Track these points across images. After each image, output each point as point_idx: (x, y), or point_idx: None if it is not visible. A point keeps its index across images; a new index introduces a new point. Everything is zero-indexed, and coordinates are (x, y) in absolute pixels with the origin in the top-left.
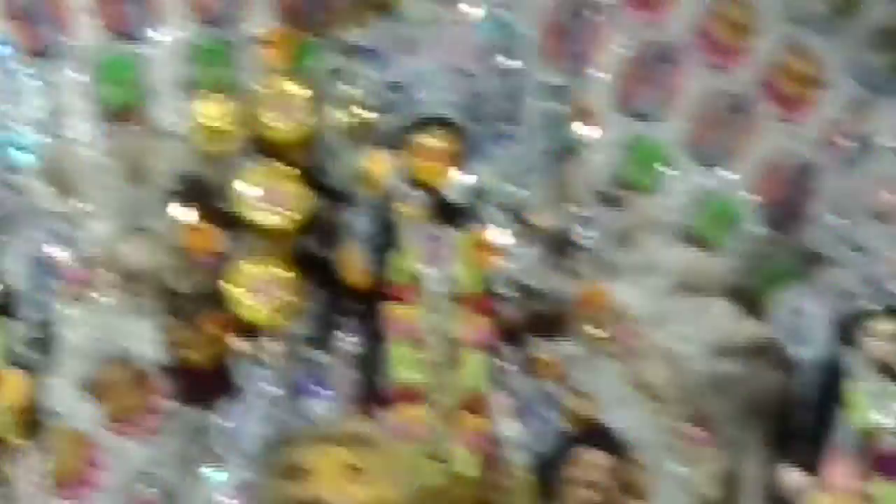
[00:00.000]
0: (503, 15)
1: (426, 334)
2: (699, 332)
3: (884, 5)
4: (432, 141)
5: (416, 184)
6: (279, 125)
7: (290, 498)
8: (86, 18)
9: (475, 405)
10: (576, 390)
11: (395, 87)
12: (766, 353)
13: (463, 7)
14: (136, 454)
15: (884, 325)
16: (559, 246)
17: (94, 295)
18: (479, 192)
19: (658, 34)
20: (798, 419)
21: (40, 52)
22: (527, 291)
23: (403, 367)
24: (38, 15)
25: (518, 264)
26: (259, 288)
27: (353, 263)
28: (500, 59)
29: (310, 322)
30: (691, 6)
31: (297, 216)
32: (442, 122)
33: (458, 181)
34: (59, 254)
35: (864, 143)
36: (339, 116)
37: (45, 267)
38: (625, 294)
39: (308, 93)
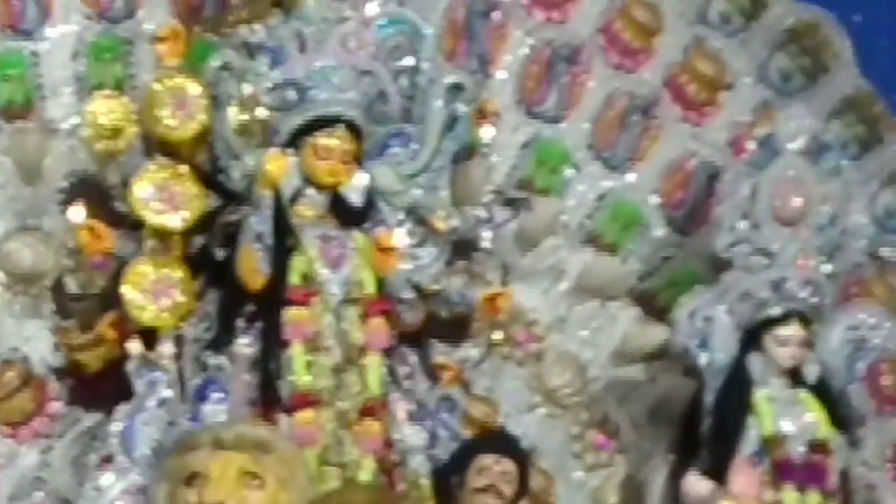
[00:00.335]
0: (404, 14)
1: (325, 338)
2: (602, 336)
3: (789, 6)
4: (331, 140)
5: (314, 184)
6: (174, 123)
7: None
8: None
9: (374, 410)
10: (476, 395)
11: (293, 85)
12: (670, 358)
13: (366, 5)
14: (28, 459)
15: (790, 331)
16: (460, 248)
17: None
18: (378, 193)
19: (562, 34)
20: (704, 426)
21: None
22: (426, 294)
23: (302, 371)
24: None
25: (418, 267)
26: (153, 289)
27: (250, 265)
28: (402, 59)
29: (206, 324)
30: (596, 6)
31: (192, 216)
32: (341, 122)
33: (356, 181)
34: None
35: (769, 146)
36: (236, 115)
37: None
38: (526, 297)
39: (204, 90)
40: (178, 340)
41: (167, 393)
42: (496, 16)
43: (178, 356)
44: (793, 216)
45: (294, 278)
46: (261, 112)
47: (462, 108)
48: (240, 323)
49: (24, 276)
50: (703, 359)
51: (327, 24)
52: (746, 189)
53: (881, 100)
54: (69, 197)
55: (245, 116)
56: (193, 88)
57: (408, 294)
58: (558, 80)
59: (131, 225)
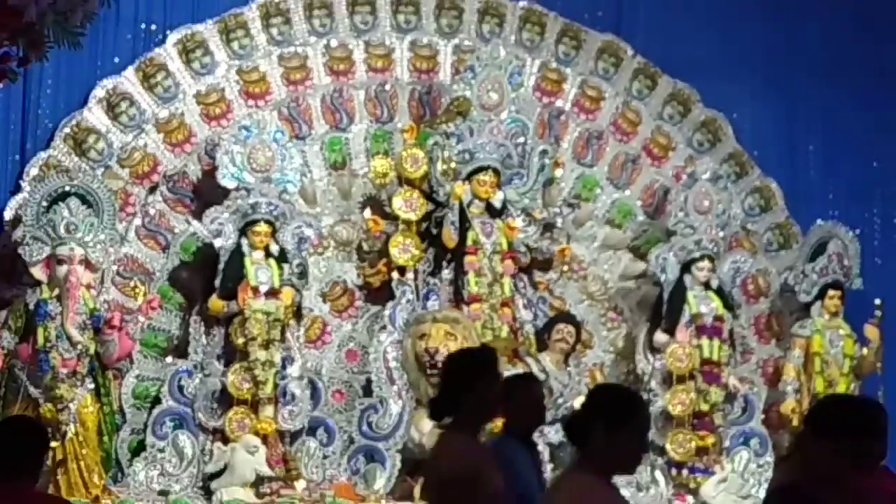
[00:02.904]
0: (520, 116)
1: (485, 269)
2: (614, 268)
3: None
4: (486, 177)
5: (478, 197)
6: (413, 170)
7: (420, 349)
8: (319, 120)
9: (508, 303)
10: (556, 295)
11: (467, 152)
12: (647, 277)
13: (501, 114)
14: (345, 328)
15: (704, 264)
16: (547, 227)
17: (326, 252)
18: (508, 201)
19: (594, 125)
20: (664, 309)
21: (298, 136)
22: (531, 248)
23: (473, 284)
24: (296, 117)
25: (527, 236)
26: (403, 247)
27: (448, 235)
28: (519, 137)
29: (428, 263)
30: (610, 111)
31: (420, 213)
32: (490, 168)
33: (497, 196)
34: (309, 231)
35: (693, 177)
36: (441, 166)
37: (303, 239)
38: (577, 250)
39: (425, 154)
40: (415, 272)
41: (410, 296)
42: (563, 117)
43: (415, 279)
44: (704, 210)
45: (469, 241)
46: (452, 164)
47: (547, 161)
48: (444, 263)
49: (342, 242)
50: (662, 277)
51: (483, 122)
52: (681, 197)
53: (748, 154)
54: (363, 205)
55: (445, 167)
56: (421, 154)
57: (522, 248)
58: (593, 147)
59: (392, 217)
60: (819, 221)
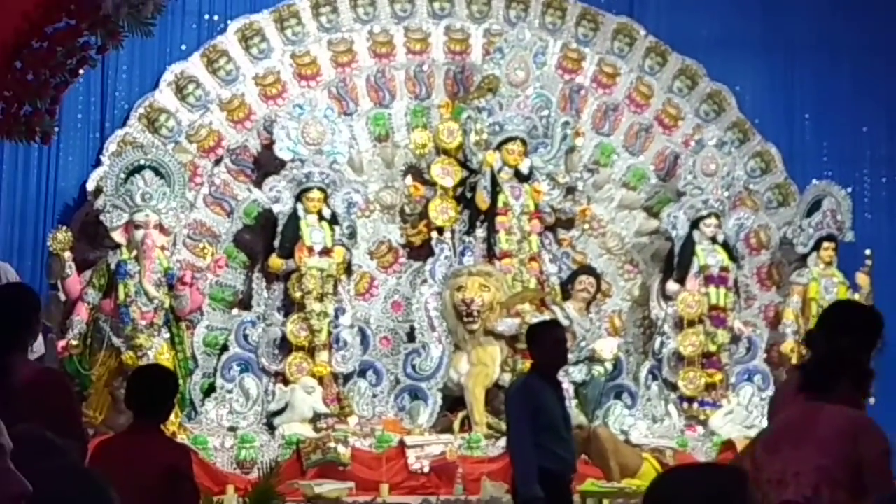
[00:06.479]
0: (544, 92)
1: (514, 228)
2: (630, 225)
3: (707, 82)
4: (514, 146)
5: (507, 164)
6: (449, 141)
7: (457, 299)
8: (365, 97)
9: (535, 258)
10: (578, 251)
11: (497, 124)
12: (660, 234)
13: (527, 90)
14: (390, 281)
15: (711, 220)
16: (569, 190)
17: (372, 214)
18: (534, 168)
19: (611, 98)
20: (675, 261)
21: (346, 112)
22: (555, 209)
23: (504, 240)
24: (344, 95)
25: (552, 197)
26: (442, 209)
27: (481, 199)
28: (543, 111)
29: (464, 224)
30: (625, 85)
31: (455, 179)
32: (518, 138)
33: (525, 163)
34: (357, 196)
35: (700, 143)
36: (474, 137)
37: (352, 203)
38: (598, 210)
39: (460, 126)
40: (452, 231)
41: (448, 253)
42: (582, 92)
43: (452, 237)
44: (711, 172)
45: (500, 203)
46: (484, 135)
47: (568, 131)
48: (477, 223)
49: (387, 206)
50: (673, 233)
51: (511, 98)
52: (692, 161)
53: (749, 122)
54: (405, 173)
55: (478, 138)
56: (455, 126)
57: (547, 209)
58: (610, 118)
59: (431, 183)
60: (814, 181)
